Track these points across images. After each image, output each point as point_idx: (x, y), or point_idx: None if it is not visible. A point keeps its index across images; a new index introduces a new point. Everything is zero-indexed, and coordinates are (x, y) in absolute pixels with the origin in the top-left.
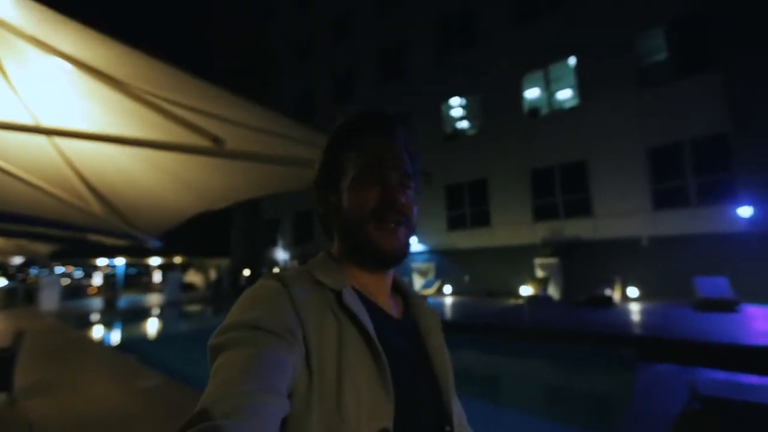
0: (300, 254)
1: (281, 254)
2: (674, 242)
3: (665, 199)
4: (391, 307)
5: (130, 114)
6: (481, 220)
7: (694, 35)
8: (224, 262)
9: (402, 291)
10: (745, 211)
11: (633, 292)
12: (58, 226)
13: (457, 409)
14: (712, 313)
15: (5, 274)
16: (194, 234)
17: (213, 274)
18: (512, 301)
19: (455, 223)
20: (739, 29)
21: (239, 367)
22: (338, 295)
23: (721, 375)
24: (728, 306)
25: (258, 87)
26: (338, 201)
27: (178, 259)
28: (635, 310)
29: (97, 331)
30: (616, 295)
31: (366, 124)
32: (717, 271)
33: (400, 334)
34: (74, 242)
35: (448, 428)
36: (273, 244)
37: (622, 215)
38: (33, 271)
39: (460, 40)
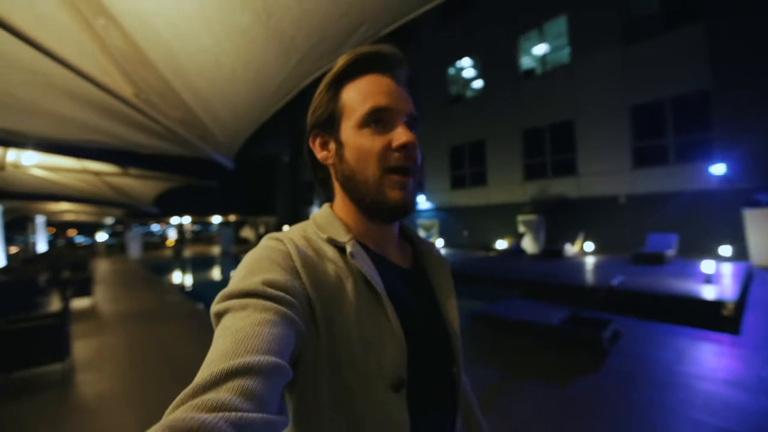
0: None
1: (317, 211)
2: (649, 200)
3: (644, 157)
4: (399, 255)
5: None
6: (479, 179)
7: None
8: (271, 220)
9: (410, 238)
10: (718, 169)
11: (589, 246)
12: (96, 200)
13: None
14: (641, 266)
15: (111, 233)
16: (248, 196)
17: (262, 230)
18: (482, 253)
19: (457, 182)
20: None
21: (237, 338)
22: (343, 251)
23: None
24: (657, 260)
25: None
26: (340, 146)
27: (232, 218)
28: (576, 262)
29: (158, 271)
30: (576, 249)
31: (372, 60)
32: (685, 228)
33: (408, 283)
34: (126, 207)
35: (455, 369)
36: (310, 203)
37: (603, 173)
38: (136, 229)
39: (461, 3)
